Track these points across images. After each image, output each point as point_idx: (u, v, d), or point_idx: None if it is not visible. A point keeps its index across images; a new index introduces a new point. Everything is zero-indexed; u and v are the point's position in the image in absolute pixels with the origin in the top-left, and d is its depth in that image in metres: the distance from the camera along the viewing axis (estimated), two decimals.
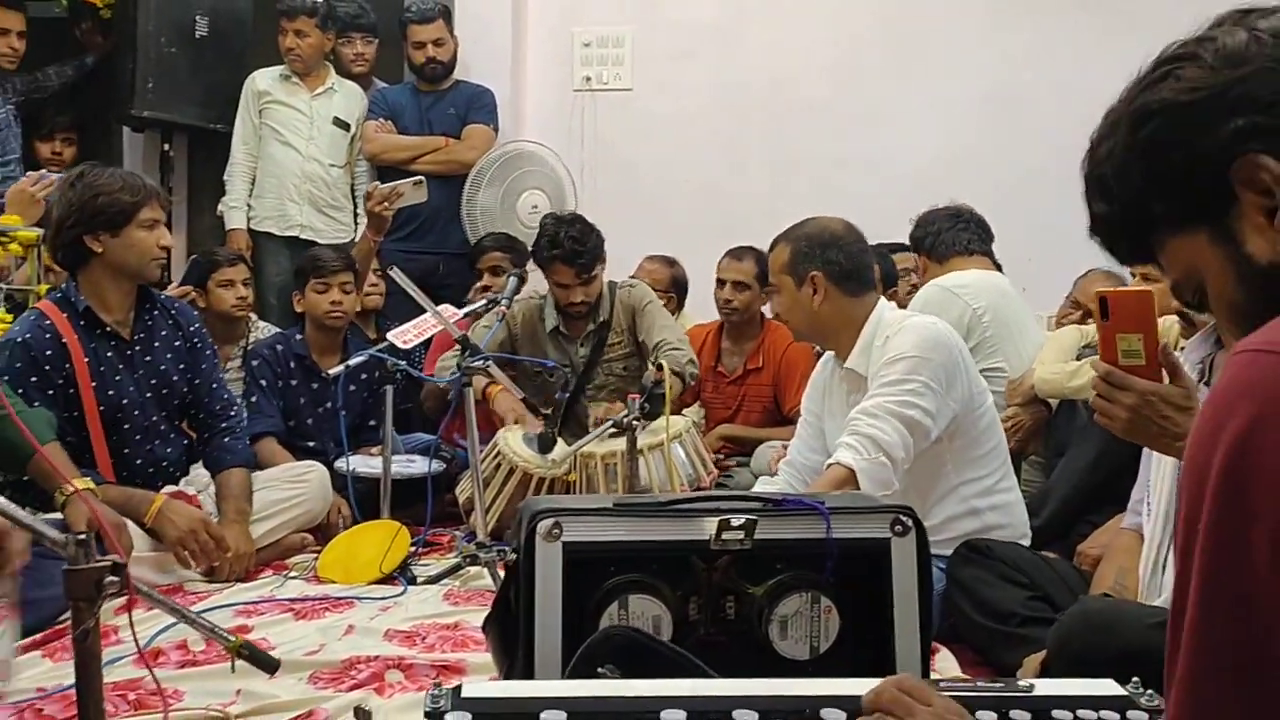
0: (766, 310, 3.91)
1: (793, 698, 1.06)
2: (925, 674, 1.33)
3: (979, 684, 1.09)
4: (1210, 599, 0.64)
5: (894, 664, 1.35)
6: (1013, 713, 1.03)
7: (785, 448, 2.74)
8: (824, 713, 1.03)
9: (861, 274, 2.36)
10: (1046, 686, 1.08)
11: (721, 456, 3.55)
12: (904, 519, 1.39)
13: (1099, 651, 1.46)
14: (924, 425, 2.17)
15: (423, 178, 3.89)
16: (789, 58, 4.80)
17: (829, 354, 2.53)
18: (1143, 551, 1.80)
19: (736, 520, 1.35)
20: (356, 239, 4.03)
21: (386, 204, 3.79)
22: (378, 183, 4.02)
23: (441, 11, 4.26)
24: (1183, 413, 1.45)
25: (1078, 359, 3.04)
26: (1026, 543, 2.32)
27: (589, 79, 4.89)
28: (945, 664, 2.01)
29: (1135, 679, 1.09)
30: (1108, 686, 1.09)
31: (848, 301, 2.33)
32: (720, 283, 3.76)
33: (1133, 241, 0.92)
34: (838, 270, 2.32)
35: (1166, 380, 1.38)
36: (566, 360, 3.50)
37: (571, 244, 3.37)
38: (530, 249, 3.63)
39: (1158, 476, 1.78)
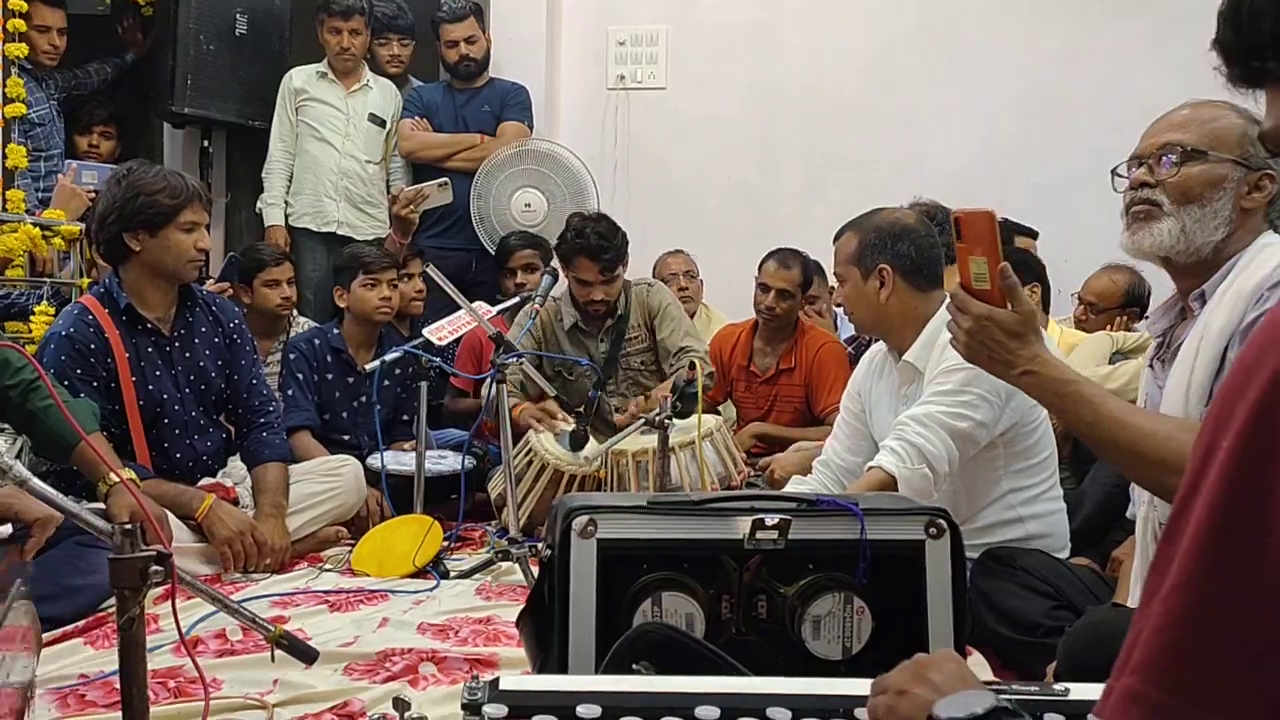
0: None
1: (827, 697, 1.06)
2: None
3: (1014, 687, 1.08)
4: (1224, 516, 0.63)
5: None
6: (1047, 716, 1.02)
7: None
8: (858, 712, 1.03)
9: (931, 269, 2.29)
10: (1082, 691, 1.08)
11: (746, 456, 3.54)
12: (939, 521, 1.38)
13: (1107, 663, 1.42)
14: (975, 436, 2.13)
15: (447, 180, 3.90)
16: (824, 58, 4.80)
17: (877, 346, 2.50)
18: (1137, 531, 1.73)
19: (770, 520, 1.35)
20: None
21: (411, 207, 3.82)
22: (402, 185, 4.05)
23: (473, 9, 4.28)
24: (1015, 339, 1.43)
25: (1110, 364, 3.01)
26: (1065, 556, 2.26)
27: (623, 77, 4.90)
28: (978, 668, 2.00)
29: None
30: None
31: (915, 296, 2.27)
32: (764, 288, 3.70)
33: (1242, 76, 0.91)
34: (908, 264, 2.26)
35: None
36: (587, 357, 3.51)
37: (597, 239, 3.38)
38: (554, 244, 3.63)
39: None
